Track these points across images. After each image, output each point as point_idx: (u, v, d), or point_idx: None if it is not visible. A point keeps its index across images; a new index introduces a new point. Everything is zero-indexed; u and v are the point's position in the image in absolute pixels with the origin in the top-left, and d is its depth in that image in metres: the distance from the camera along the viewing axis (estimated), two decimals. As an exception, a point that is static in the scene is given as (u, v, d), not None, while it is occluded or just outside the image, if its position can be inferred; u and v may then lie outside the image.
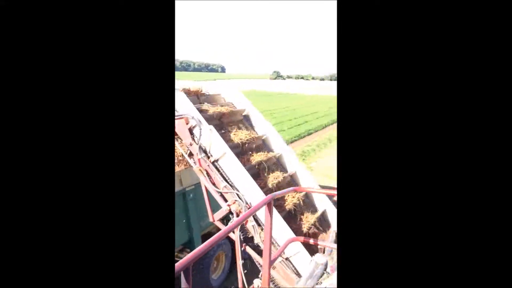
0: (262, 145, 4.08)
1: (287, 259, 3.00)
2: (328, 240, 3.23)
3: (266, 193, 3.15)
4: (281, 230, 2.97)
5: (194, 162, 3.29)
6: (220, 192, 3.18)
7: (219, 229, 3.15)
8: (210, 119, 3.52)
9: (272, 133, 4.16)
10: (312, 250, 3.02)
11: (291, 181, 3.96)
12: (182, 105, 3.33)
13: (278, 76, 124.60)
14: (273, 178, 3.62)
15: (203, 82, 4.66)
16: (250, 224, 3.09)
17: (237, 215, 3.10)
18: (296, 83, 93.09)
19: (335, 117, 22.88)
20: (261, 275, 2.34)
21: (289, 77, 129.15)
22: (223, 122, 3.84)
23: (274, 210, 2.95)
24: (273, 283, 3.09)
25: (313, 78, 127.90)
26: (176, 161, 4.11)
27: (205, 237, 4.54)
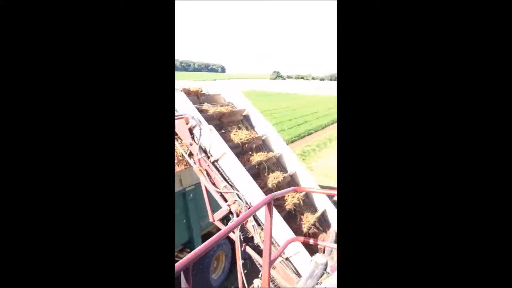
0: (262, 145, 4.08)
1: (287, 259, 3.00)
2: (328, 240, 3.23)
3: (266, 193, 3.15)
4: (281, 230, 2.97)
5: (194, 162, 3.29)
6: (220, 192, 3.18)
7: (219, 229, 3.15)
8: (210, 119, 3.52)
9: (272, 133, 4.16)
10: (312, 250, 3.02)
11: (291, 181, 3.96)
12: (182, 105, 3.33)
13: (278, 76, 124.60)
14: (273, 178, 3.62)
15: (203, 82, 4.66)
16: (250, 224, 3.09)
17: (237, 215, 3.10)
18: (296, 83, 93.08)
19: (335, 117, 22.89)
20: (261, 275, 2.34)
21: (289, 77, 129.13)
22: (223, 122, 3.84)
23: (274, 210, 2.95)
24: (273, 283, 3.09)
25: (313, 78, 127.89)
26: (176, 161, 4.11)
27: (205, 237, 4.54)
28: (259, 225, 3.08)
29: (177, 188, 4.00)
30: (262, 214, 2.90)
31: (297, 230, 3.31)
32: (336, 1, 1.23)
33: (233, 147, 3.46)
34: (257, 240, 3.07)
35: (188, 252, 1.27)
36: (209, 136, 3.19)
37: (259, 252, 2.95)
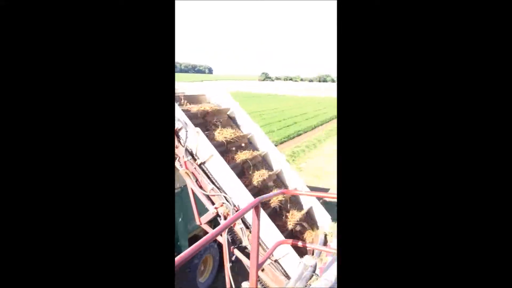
0: (248, 144, 4.05)
1: (276, 261, 2.97)
2: (318, 242, 3.22)
3: (251, 190, 3.13)
4: (269, 232, 2.94)
5: (180, 165, 3.23)
6: (207, 195, 3.14)
7: (206, 232, 3.10)
8: (194, 117, 3.47)
9: (257, 132, 4.13)
10: (301, 251, 3.00)
11: (277, 180, 3.95)
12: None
13: (266, 77, 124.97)
14: (258, 176, 3.60)
15: (189, 83, 4.61)
16: (238, 227, 3.05)
17: (225, 218, 3.06)
18: (285, 84, 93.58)
19: (324, 118, 23.09)
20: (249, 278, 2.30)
21: (277, 78, 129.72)
22: (207, 121, 3.80)
23: (263, 213, 2.92)
24: (262, 285, 3.06)
25: (301, 80, 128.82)
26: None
27: (192, 241, 4.48)
28: (247, 227, 3.05)
29: (164, 191, 3.94)
30: (250, 216, 2.86)
31: (283, 228, 3.30)
32: (336, 1, 1.23)
33: (218, 145, 3.42)
34: (245, 243, 3.04)
35: (175, 256, 1.26)
36: (196, 139, 3.14)
37: (248, 254, 2.92)
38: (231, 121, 4.17)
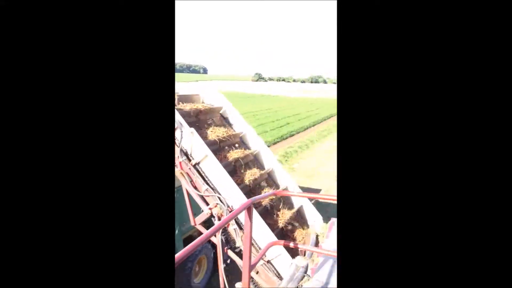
0: (240, 143, 4.09)
1: (268, 262, 3.00)
2: (309, 243, 3.26)
3: (243, 189, 3.16)
4: (262, 233, 2.98)
5: (175, 165, 3.25)
6: (202, 196, 3.16)
7: (200, 233, 3.13)
8: (186, 115, 3.49)
9: (249, 131, 4.17)
10: (293, 252, 3.04)
11: (268, 178, 4.00)
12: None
13: (260, 78, 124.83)
14: (250, 174, 3.64)
15: (184, 83, 4.62)
16: (232, 227, 3.08)
17: (219, 219, 3.08)
18: (278, 85, 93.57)
19: (316, 118, 23.19)
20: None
21: (270, 79, 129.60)
22: (200, 119, 3.82)
23: (256, 214, 2.95)
24: (255, 286, 3.09)
25: (294, 81, 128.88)
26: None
27: (186, 241, 4.49)
28: (240, 228, 3.08)
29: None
30: (244, 217, 2.89)
31: (274, 226, 3.33)
32: (336, 1, 1.23)
33: (210, 144, 3.44)
34: (239, 244, 3.06)
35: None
36: (190, 139, 3.16)
37: (241, 255, 2.94)
38: (224, 120, 4.21)
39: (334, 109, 29.48)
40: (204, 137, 3.48)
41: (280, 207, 3.67)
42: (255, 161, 4.05)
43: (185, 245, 1.62)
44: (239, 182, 3.40)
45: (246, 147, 4.11)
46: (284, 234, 3.47)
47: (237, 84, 73.90)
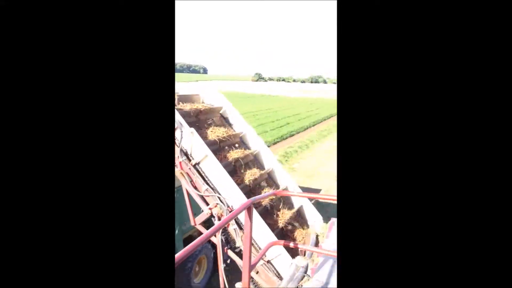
0: (240, 143, 4.09)
1: (268, 261, 3.00)
2: (309, 243, 3.26)
3: (243, 189, 3.17)
4: (262, 233, 2.98)
5: (175, 165, 3.25)
6: (202, 196, 3.16)
7: (200, 233, 3.13)
8: (186, 115, 3.49)
9: (249, 131, 4.18)
10: (293, 252, 3.04)
11: (268, 178, 4.00)
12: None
13: (260, 78, 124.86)
14: (250, 174, 3.65)
15: (184, 83, 4.62)
16: (232, 227, 3.08)
17: (219, 219, 3.08)
18: (278, 85, 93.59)
19: (316, 118, 23.19)
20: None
21: (270, 79, 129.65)
22: (200, 119, 3.83)
23: (256, 214, 2.95)
24: (255, 286, 3.09)
25: (294, 81, 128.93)
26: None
27: (186, 241, 4.49)
28: (240, 228, 3.08)
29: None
30: (243, 217, 2.89)
31: (273, 226, 3.34)
32: (336, 1, 1.23)
33: (210, 144, 3.45)
34: (239, 244, 3.06)
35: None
36: (191, 139, 3.16)
37: (241, 255, 2.95)
38: (224, 120, 4.21)
39: (334, 109, 29.50)
40: (204, 137, 3.48)
41: (280, 207, 3.68)
42: (255, 161, 4.05)
43: (185, 245, 1.61)
44: (239, 182, 3.40)
45: (246, 147, 4.12)
46: (284, 234, 3.47)
47: (237, 84, 73.89)
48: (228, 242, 3.25)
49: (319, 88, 79.15)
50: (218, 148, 3.66)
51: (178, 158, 3.16)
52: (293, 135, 16.83)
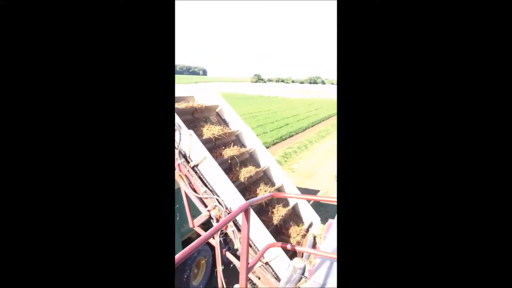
0: (236, 141, 4.11)
1: (266, 263, 3.02)
2: (307, 245, 3.27)
3: (238, 186, 3.17)
4: (260, 235, 2.99)
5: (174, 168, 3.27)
6: (200, 198, 3.17)
7: (199, 235, 3.14)
8: (182, 113, 3.50)
9: (245, 129, 4.19)
10: (292, 254, 3.06)
11: (264, 176, 4.01)
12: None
13: (259, 79, 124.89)
14: (246, 172, 3.66)
15: (184, 85, 4.63)
16: (230, 229, 3.09)
17: (217, 221, 3.10)
18: (277, 86, 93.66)
19: (315, 119, 23.19)
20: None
21: (269, 80, 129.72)
22: (196, 117, 3.84)
23: (254, 216, 2.97)
24: (253, 287, 3.10)
25: (293, 81, 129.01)
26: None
27: (185, 243, 4.49)
28: (239, 230, 3.09)
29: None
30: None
31: (268, 223, 3.35)
32: (336, 1, 1.23)
33: (206, 141, 3.46)
34: (237, 245, 3.08)
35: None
36: (189, 141, 3.17)
37: (239, 257, 2.96)
38: (220, 119, 4.23)
39: (332, 110, 29.54)
40: (199, 134, 3.49)
41: (275, 204, 3.70)
42: (250, 159, 4.07)
43: (183, 247, 1.62)
44: (234, 180, 3.41)
45: (242, 145, 4.13)
46: (279, 231, 3.48)
47: (236, 86, 73.96)
48: (227, 244, 3.26)
49: (318, 89, 79.28)
50: (214, 146, 3.67)
51: (177, 160, 3.17)
52: (292, 135, 16.84)
